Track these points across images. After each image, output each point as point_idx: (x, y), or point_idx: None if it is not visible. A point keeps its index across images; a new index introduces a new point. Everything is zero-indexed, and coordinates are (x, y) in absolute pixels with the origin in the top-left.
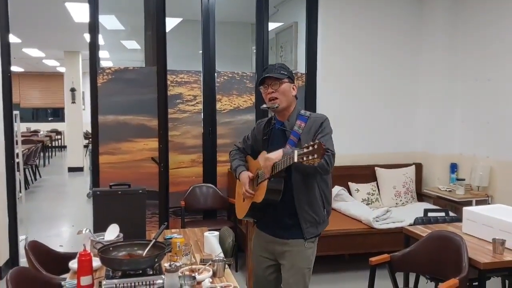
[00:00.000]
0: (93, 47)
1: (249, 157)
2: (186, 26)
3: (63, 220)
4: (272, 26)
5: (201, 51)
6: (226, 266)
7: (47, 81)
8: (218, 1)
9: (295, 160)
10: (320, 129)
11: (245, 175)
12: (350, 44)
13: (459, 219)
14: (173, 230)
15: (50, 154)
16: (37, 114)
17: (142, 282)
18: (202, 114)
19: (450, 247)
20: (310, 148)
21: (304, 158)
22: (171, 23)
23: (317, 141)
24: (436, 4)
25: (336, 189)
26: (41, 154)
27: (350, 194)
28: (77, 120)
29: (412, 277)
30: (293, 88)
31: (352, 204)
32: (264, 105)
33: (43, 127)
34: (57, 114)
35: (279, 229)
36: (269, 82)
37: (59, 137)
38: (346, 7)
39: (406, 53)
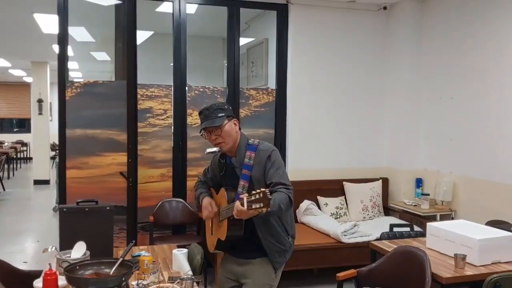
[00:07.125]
0: (62, 60)
1: (212, 189)
2: (157, 40)
3: (27, 235)
4: (243, 41)
5: (172, 64)
6: (195, 284)
7: (13, 91)
8: (189, 15)
9: (245, 208)
10: (270, 163)
11: (207, 200)
12: (318, 62)
13: (423, 233)
14: (141, 247)
15: (15, 166)
16: (2, 125)
17: None
18: (172, 128)
19: (414, 262)
20: (257, 196)
21: (253, 206)
22: (142, 36)
23: (262, 189)
24: (402, 26)
25: (305, 203)
26: (6, 166)
27: (319, 208)
28: (44, 132)
29: None
30: (234, 123)
31: (321, 218)
32: (210, 150)
33: (8, 138)
34: (23, 125)
35: (244, 253)
36: (209, 129)
37: (24, 148)
38: (315, 27)
39: (372, 72)
